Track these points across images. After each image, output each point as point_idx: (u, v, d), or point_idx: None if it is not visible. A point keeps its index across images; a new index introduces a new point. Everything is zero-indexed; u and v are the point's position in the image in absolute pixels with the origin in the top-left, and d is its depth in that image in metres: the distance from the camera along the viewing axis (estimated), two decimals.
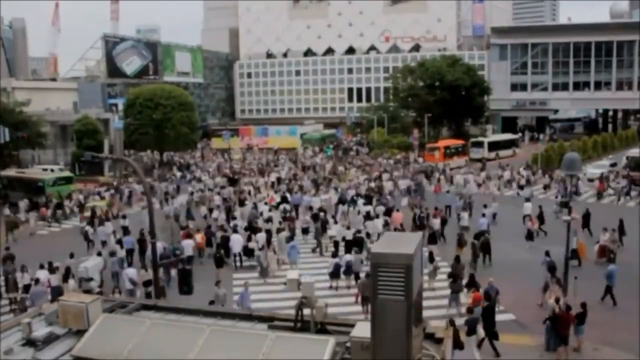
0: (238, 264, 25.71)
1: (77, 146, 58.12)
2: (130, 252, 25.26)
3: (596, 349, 16.39)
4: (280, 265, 24.33)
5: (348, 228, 26.76)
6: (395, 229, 27.53)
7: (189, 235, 26.55)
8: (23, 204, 38.32)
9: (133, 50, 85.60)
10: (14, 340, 7.72)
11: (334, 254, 23.75)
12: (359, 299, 19.94)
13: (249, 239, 26.24)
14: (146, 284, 20.18)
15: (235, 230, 27.01)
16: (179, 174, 53.47)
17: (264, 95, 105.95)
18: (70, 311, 7.84)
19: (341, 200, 34.97)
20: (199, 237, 26.87)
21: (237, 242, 25.71)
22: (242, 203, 35.19)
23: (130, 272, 21.30)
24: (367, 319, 19.67)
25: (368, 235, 26.41)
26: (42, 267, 21.48)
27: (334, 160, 59.94)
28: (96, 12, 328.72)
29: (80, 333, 7.57)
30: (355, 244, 24.44)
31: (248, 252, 25.84)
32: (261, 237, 25.79)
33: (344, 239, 26.09)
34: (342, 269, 22.19)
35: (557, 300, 16.43)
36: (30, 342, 7.63)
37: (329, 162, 57.84)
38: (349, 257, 22.64)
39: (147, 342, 7.08)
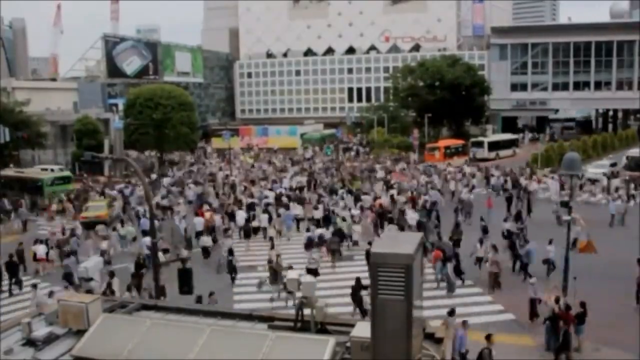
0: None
1: (77, 146, 58.16)
2: (144, 231, 28.36)
3: (596, 349, 16.39)
4: (280, 236, 28.85)
5: (315, 209, 31.81)
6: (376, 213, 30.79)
7: (198, 214, 31.94)
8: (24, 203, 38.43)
9: (133, 50, 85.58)
10: (14, 340, 7.72)
11: (308, 229, 28.10)
12: (329, 254, 25.30)
13: (253, 218, 31.32)
14: (163, 251, 22.74)
15: (252, 207, 33.29)
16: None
17: (264, 95, 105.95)
18: (70, 311, 7.84)
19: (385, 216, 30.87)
20: (208, 215, 31.22)
21: (242, 217, 30.99)
22: (230, 216, 32.19)
23: (147, 240, 23.78)
24: (334, 267, 23.52)
25: (333, 212, 31.04)
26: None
27: (343, 162, 56.93)
28: (96, 12, 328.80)
29: (80, 333, 7.57)
30: (325, 220, 29.53)
31: (253, 230, 30.40)
32: (264, 217, 30.65)
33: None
34: (315, 241, 26.09)
35: (557, 300, 16.43)
36: (30, 342, 7.63)
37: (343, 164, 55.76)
38: (320, 231, 27.01)
39: (147, 342, 7.08)
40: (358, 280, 19.16)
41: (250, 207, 33.73)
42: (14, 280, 23.69)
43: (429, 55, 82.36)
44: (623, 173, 44.42)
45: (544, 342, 16.39)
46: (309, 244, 25.82)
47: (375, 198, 34.85)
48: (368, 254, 21.39)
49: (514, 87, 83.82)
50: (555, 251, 22.53)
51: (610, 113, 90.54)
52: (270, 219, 30.78)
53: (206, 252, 26.75)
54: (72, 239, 28.06)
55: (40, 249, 25.80)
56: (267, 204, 34.17)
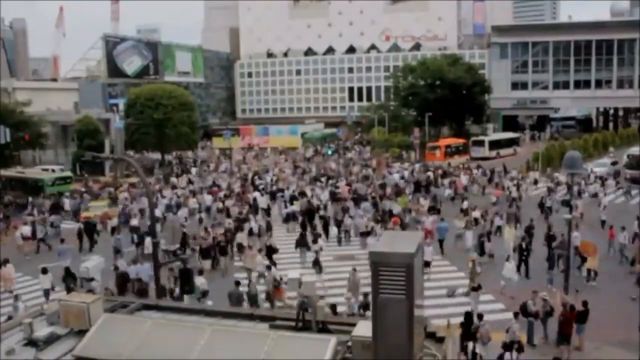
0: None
1: (78, 146, 58.15)
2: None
3: (597, 348, 16.39)
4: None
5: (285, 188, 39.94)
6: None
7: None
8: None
9: (134, 50, 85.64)
10: (16, 341, 7.73)
11: (285, 206, 34.33)
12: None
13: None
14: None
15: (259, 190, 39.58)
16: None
17: (264, 95, 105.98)
18: (72, 311, 7.85)
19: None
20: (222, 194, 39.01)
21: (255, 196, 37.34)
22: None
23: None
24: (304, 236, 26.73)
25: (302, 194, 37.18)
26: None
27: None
28: (97, 12, 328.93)
29: (81, 333, 7.58)
30: (294, 198, 35.94)
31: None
32: (265, 199, 36.26)
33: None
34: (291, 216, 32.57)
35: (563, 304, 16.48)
36: (31, 342, 7.64)
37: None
38: (293, 207, 33.40)
39: (148, 342, 7.08)
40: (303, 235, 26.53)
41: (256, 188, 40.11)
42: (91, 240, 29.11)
43: (429, 54, 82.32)
44: (624, 171, 44.45)
45: (544, 340, 16.39)
46: (287, 218, 32.27)
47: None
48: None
49: (515, 86, 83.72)
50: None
51: (611, 111, 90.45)
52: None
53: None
54: (51, 217, 33.29)
55: (25, 229, 29.64)
56: (263, 188, 40.50)
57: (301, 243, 25.86)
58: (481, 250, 24.80)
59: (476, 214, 30.48)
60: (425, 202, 34.36)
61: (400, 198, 35.14)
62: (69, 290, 20.41)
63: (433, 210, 32.76)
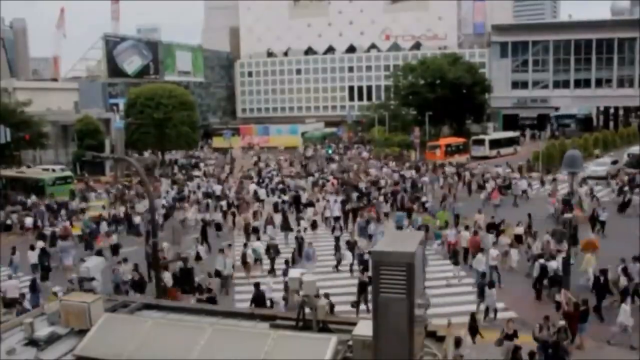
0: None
1: (79, 146, 58.21)
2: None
3: (598, 347, 16.39)
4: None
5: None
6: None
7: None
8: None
9: (134, 50, 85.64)
10: (17, 340, 7.73)
11: (279, 196, 37.66)
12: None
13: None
14: None
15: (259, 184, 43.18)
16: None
17: (264, 94, 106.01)
18: (72, 311, 7.85)
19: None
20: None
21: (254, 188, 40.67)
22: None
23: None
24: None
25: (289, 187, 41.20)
26: None
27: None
28: (97, 12, 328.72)
29: (82, 333, 7.58)
30: (283, 191, 39.90)
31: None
32: (262, 192, 39.38)
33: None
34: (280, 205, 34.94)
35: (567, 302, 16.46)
36: (32, 342, 7.64)
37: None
38: (284, 198, 36.71)
39: (149, 342, 7.08)
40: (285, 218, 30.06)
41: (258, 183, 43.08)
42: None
43: (429, 54, 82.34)
44: (624, 170, 44.42)
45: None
46: (276, 207, 34.17)
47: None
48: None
49: (515, 85, 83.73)
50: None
51: (611, 110, 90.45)
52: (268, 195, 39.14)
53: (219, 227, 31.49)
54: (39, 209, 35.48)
55: (28, 220, 32.71)
56: (262, 181, 44.20)
57: (284, 227, 28.83)
58: (574, 241, 21.81)
59: (519, 229, 25.47)
60: (480, 216, 27.94)
61: (439, 213, 30.23)
62: (43, 268, 23.68)
63: (493, 227, 26.51)
